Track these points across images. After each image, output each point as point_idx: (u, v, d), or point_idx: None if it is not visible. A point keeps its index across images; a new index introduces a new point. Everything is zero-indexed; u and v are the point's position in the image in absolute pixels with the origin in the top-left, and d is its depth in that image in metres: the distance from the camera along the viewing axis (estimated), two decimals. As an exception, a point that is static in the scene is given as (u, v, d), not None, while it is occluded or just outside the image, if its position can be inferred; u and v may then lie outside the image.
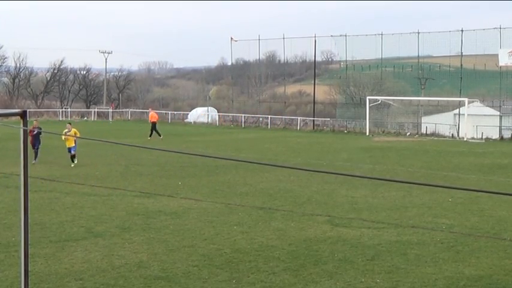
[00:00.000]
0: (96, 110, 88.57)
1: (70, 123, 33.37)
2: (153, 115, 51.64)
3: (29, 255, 7.54)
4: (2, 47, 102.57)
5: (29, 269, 7.65)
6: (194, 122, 77.22)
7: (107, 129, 54.20)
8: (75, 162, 30.59)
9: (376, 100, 65.62)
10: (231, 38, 79.70)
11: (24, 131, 7.24)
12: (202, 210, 19.50)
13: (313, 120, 70.92)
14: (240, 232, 16.54)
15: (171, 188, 23.93)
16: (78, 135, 30.42)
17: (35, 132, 30.28)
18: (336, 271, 13.13)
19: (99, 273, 12.77)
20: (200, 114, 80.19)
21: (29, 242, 7.43)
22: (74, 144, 30.86)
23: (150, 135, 49.82)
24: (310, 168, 26.50)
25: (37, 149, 31.34)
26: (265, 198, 22.10)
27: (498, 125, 62.70)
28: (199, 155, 5.90)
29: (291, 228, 17.19)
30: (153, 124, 50.43)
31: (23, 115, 7.12)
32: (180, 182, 25.50)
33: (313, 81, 76.60)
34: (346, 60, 75.84)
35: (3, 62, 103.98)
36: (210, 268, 13.19)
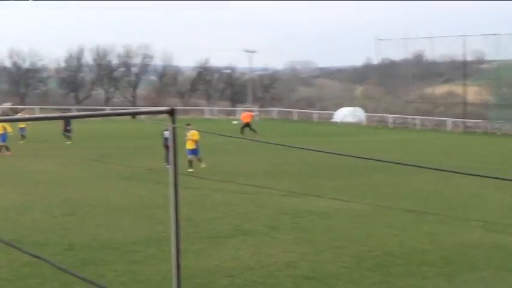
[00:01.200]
0: (241, 109, 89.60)
1: (189, 124, 32.46)
2: None
3: (181, 251, 7.52)
4: (149, 47, 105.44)
5: (181, 264, 7.63)
6: (340, 122, 76.79)
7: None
8: (201, 166, 28.81)
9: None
10: (377, 38, 78.86)
11: (174, 129, 7.21)
12: (351, 211, 19.18)
13: (464, 121, 68.85)
14: (390, 235, 16.11)
15: (319, 188, 23.71)
16: (196, 137, 28.94)
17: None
18: (493, 278, 12.50)
19: (248, 270, 12.76)
20: (346, 114, 79.65)
21: (180, 238, 7.40)
22: (195, 147, 28.97)
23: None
24: (462, 171, 25.53)
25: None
26: (414, 200, 21.50)
27: None
28: (347, 155, 5.74)
29: (443, 232, 16.58)
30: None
31: (171, 113, 7.10)
32: (328, 182, 25.26)
33: (463, 82, 74.48)
34: (498, 60, 73.17)
35: (151, 61, 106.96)
36: (361, 270, 12.89)
